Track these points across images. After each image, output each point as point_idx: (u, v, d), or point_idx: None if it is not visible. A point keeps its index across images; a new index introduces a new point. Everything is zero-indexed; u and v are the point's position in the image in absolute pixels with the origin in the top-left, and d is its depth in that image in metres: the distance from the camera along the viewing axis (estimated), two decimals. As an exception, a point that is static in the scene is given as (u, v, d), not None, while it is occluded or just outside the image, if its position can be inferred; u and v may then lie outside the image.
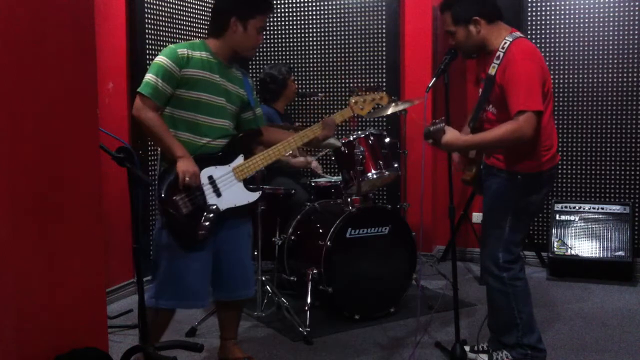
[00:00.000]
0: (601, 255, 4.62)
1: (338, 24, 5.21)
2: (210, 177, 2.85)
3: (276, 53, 5.39)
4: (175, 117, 2.86)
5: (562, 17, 4.86)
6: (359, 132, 4.02)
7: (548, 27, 4.89)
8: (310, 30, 5.28)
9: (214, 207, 2.83)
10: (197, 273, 2.87)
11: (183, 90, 2.83)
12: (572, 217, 4.75)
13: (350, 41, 5.19)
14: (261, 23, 2.95)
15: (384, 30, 5.10)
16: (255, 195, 2.96)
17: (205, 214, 2.81)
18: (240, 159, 2.93)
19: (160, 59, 2.82)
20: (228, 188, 2.88)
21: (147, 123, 2.79)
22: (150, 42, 4.44)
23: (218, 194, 2.86)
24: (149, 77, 2.81)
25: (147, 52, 4.43)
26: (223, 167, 2.89)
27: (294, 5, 5.30)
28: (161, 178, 2.81)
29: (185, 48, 2.85)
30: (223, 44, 2.92)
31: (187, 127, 2.86)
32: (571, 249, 4.68)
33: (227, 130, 2.95)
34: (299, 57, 5.33)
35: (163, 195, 2.77)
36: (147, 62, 4.42)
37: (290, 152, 3.90)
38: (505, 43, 2.83)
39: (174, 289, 2.85)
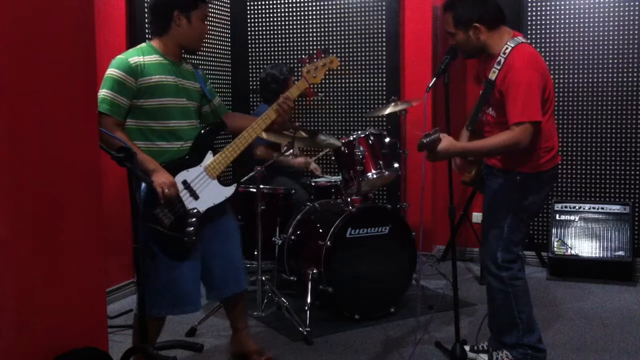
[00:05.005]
0: (601, 255, 4.62)
1: (338, 24, 5.21)
2: (184, 182, 2.81)
3: (276, 53, 5.39)
4: (143, 128, 2.79)
5: (562, 17, 4.86)
6: (359, 132, 4.02)
7: (548, 27, 4.90)
8: (310, 30, 5.28)
9: (195, 210, 2.81)
10: (187, 279, 2.86)
11: (143, 100, 2.76)
12: (572, 217, 4.75)
13: (350, 41, 5.19)
14: (204, 12, 2.88)
15: (384, 31, 5.10)
16: (232, 189, 2.94)
17: (187, 219, 2.79)
18: (210, 157, 2.89)
19: (112, 71, 2.73)
20: (204, 188, 2.85)
21: (109, 141, 2.65)
22: (150, 42, 4.44)
23: (195, 196, 2.82)
24: (102, 92, 2.71)
25: (147, 52, 4.42)
26: (194, 168, 2.85)
27: (294, 5, 5.30)
28: (137, 193, 2.72)
29: (136, 56, 2.77)
30: (169, 41, 2.85)
31: (158, 136, 2.81)
32: (571, 248, 4.68)
33: (197, 129, 2.92)
34: (299, 57, 5.32)
35: (142, 211, 2.69)
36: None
37: (289, 150, 3.89)
38: (507, 49, 2.82)
39: (165, 297, 2.83)
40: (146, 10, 4.38)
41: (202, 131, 2.92)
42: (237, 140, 2.92)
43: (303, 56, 3.15)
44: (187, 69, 2.95)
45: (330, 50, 5.12)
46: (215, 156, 2.90)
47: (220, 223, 2.98)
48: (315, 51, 3.19)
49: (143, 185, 2.73)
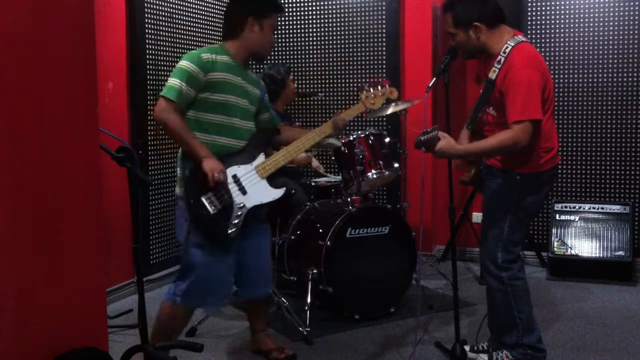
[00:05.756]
0: (601, 255, 4.62)
1: (338, 24, 5.21)
2: (234, 176, 2.89)
3: (276, 53, 5.38)
4: (202, 120, 2.88)
5: (562, 17, 4.86)
6: (359, 132, 4.02)
7: (548, 27, 4.89)
8: (310, 30, 5.28)
9: (242, 205, 2.87)
10: (224, 274, 2.93)
11: (209, 93, 2.86)
12: (572, 217, 4.75)
13: (350, 41, 5.19)
14: (274, 21, 3.01)
15: (384, 31, 5.10)
16: (280, 192, 2.99)
17: (233, 212, 2.84)
18: (261, 157, 2.97)
19: (184, 63, 2.84)
20: (253, 186, 2.92)
21: (170, 125, 2.80)
22: (150, 42, 4.44)
23: (244, 192, 2.89)
24: (173, 81, 2.82)
25: (147, 52, 4.43)
26: (245, 165, 2.93)
27: (294, 5, 5.30)
28: (186, 180, 2.83)
29: (208, 53, 2.88)
30: (240, 45, 2.96)
31: (217, 130, 2.89)
32: (571, 248, 4.68)
33: (252, 131, 3.01)
34: (299, 57, 5.33)
35: (191, 197, 2.79)
36: (147, 62, 4.43)
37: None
38: (507, 48, 2.82)
39: (202, 289, 2.88)
40: (145, 10, 4.39)
41: (259, 133, 3.03)
42: (290, 148, 3.01)
43: (365, 82, 3.35)
44: (252, 76, 3.07)
45: (333, 53, 5.15)
46: (267, 158, 2.98)
47: (258, 226, 3.05)
48: (378, 79, 3.30)
49: (195, 173, 2.80)
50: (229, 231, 2.82)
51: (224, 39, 3.02)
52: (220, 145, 2.89)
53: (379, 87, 3.23)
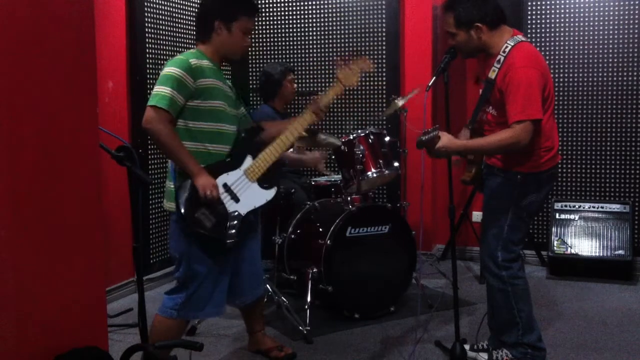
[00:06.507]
0: (601, 254, 4.62)
1: (338, 24, 5.21)
2: (225, 185, 2.83)
3: (276, 52, 5.39)
4: (192, 129, 2.79)
5: (562, 17, 4.86)
6: (359, 131, 4.02)
7: (548, 27, 4.89)
8: (310, 30, 5.28)
9: (236, 213, 2.82)
10: (222, 283, 2.90)
11: (199, 101, 2.77)
12: (572, 216, 4.75)
13: (350, 41, 5.19)
14: (246, 25, 2.90)
15: (384, 30, 5.10)
16: (272, 193, 2.94)
17: (228, 222, 2.80)
18: (249, 160, 2.91)
19: (172, 70, 2.72)
20: (244, 191, 2.87)
21: (161, 137, 2.70)
22: (150, 42, 4.44)
23: (236, 199, 2.84)
24: (161, 89, 2.70)
25: (147, 52, 4.43)
26: (234, 172, 2.86)
27: (294, 4, 5.30)
28: (178, 196, 2.75)
29: (194, 58, 2.79)
30: (213, 49, 2.88)
31: (208, 138, 2.82)
32: (571, 247, 4.68)
33: (238, 135, 2.95)
34: (299, 56, 5.33)
35: (184, 214, 2.73)
36: (147, 62, 4.43)
37: (290, 149, 3.88)
38: (507, 47, 2.82)
39: (201, 301, 2.86)
40: (145, 10, 4.39)
41: (242, 135, 2.95)
42: (275, 144, 2.93)
43: (338, 58, 3.18)
44: (224, 77, 2.99)
45: (359, 52, 5.13)
46: (255, 159, 2.91)
47: (250, 235, 3.00)
48: (350, 55, 3.20)
49: (186, 189, 2.74)
50: (228, 241, 2.79)
51: (197, 42, 2.94)
52: (212, 153, 2.83)
53: (354, 63, 3.10)
